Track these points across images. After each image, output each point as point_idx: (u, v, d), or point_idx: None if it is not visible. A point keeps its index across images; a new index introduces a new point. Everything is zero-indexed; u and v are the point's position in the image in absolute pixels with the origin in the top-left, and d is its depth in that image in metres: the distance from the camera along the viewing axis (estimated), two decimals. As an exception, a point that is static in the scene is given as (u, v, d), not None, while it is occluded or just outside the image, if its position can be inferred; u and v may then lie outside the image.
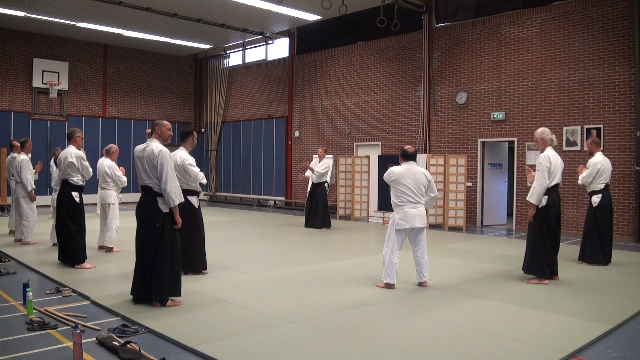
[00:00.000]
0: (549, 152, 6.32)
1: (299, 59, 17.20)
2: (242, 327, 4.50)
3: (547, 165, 6.21)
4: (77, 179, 7.13)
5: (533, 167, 6.70)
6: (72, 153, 7.12)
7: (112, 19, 14.92)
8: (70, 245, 6.95)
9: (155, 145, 5.19)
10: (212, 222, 12.32)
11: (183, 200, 5.21)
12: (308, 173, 11.79)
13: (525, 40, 11.81)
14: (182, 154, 6.36)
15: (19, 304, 5.23)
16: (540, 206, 6.27)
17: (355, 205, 13.72)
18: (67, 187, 7.10)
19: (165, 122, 5.43)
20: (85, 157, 7.25)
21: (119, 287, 5.83)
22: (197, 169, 6.44)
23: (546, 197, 6.26)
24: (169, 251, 5.12)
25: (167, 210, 5.13)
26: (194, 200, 6.53)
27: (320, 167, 11.57)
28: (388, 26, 12.33)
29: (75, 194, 7.09)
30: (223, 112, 19.94)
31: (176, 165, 6.15)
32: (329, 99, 16.16)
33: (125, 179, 8.41)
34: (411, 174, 5.96)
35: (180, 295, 5.25)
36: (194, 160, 6.45)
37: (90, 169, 7.32)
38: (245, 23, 15.90)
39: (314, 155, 11.83)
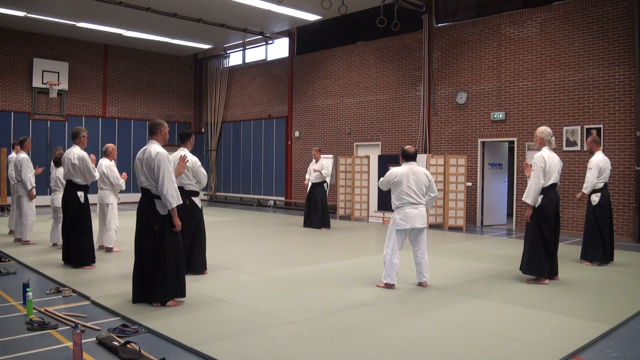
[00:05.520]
0: (545, 152, 6.32)
1: (299, 59, 17.20)
2: (242, 327, 4.50)
3: (541, 165, 6.21)
4: (80, 180, 7.10)
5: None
6: (76, 154, 7.06)
7: (112, 19, 14.92)
8: (76, 247, 6.91)
9: (153, 147, 5.19)
10: (212, 222, 12.31)
11: (181, 202, 5.19)
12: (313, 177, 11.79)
13: (525, 40, 11.81)
14: (191, 156, 6.45)
15: (19, 304, 5.22)
16: (536, 206, 6.27)
17: (355, 205, 13.72)
18: (71, 187, 7.07)
19: (165, 122, 5.46)
20: (89, 159, 7.14)
21: (119, 287, 5.83)
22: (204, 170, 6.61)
23: (541, 197, 6.26)
24: (172, 253, 5.12)
25: (166, 213, 5.11)
26: (197, 201, 6.56)
27: (327, 169, 11.69)
28: (388, 26, 12.33)
29: (80, 194, 7.05)
30: (223, 112, 19.94)
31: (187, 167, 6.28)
32: (329, 99, 16.16)
33: (122, 182, 8.24)
34: (413, 174, 5.95)
35: (185, 296, 5.25)
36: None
37: (94, 173, 7.23)
38: (245, 23, 15.90)
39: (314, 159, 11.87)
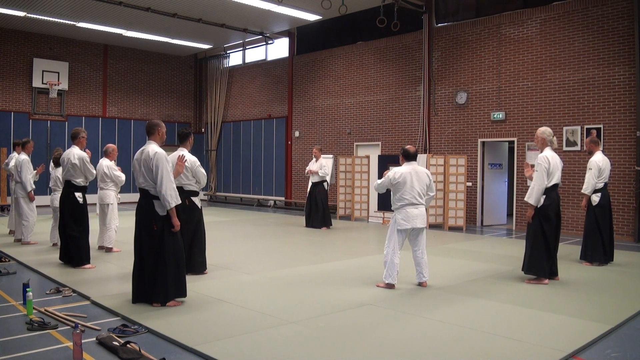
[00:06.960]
0: (548, 152, 6.32)
1: (298, 59, 17.20)
2: (242, 327, 4.50)
3: (545, 166, 6.21)
4: (80, 180, 7.12)
5: (532, 165, 6.69)
6: (75, 154, 7.09)
7: (112, 19, 14.92)
8: (74, 246, 6.93)
9: (151, 148, 5.20)
10: (212, 222, 12.32)
11: (179, 202, 5.19)
12: (315, 168, 11.69)
13: (525, 40, 11.81)
14: (190, 156, 6.41)
15: (19, 304, 5.23)
16: (538, 206, 6.27)
17: (355, 205, 13.72)
18: (70, 187, 7.09)
19: (162, 122, 5.48)
20: (88, 159, 7.20)
21: (119, 287, 5.83)
22: (203, 170, 6.58)
23: (544, 197, 6.26)
24: (172, 254, 5.12)
25: (164, 213, 5.11)
26: (197, 201, 6.56)
27: (326, 169, 11.64)
28: (388, 26, 12.33)
29: (78, 195, 7.08)
30: (223, 112, 19.94)
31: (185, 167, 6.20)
32: (329, 99, 16.16)
33: (123, 176, 8.35)
34: (415, 174, 5.97)
35: (186, 296, 5.26)
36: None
37: (94, 171, 7.31)
38: (245, 23, 15.90)
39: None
